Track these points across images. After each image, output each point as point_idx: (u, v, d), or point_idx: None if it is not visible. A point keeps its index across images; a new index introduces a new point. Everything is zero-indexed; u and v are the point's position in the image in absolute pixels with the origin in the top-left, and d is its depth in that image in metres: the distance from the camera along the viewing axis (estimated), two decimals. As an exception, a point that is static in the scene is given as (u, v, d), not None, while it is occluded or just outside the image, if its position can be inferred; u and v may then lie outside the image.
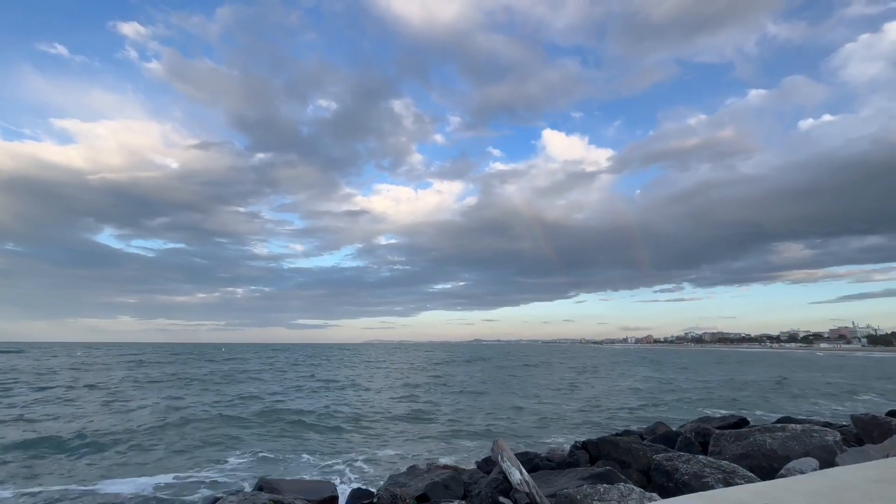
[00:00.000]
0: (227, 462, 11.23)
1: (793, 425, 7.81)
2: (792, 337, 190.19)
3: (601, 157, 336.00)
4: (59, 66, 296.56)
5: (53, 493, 8.84)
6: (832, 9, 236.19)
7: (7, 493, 8.73)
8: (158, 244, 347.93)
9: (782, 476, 5.81)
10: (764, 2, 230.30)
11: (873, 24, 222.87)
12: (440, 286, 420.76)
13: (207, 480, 9.82)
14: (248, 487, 8.77)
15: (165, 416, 16.87)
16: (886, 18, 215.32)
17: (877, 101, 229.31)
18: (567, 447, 10.50)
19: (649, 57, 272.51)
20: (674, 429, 11.58)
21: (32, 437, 13.09)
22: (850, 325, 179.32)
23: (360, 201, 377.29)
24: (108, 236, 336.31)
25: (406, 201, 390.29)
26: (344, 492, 8.21)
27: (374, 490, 8.03)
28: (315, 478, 9.94)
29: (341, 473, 10.54)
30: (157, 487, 9.19)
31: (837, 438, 7.27)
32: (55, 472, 10.30)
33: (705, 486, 5.72)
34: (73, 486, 9.27)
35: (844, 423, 11.87)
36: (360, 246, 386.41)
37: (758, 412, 18.38)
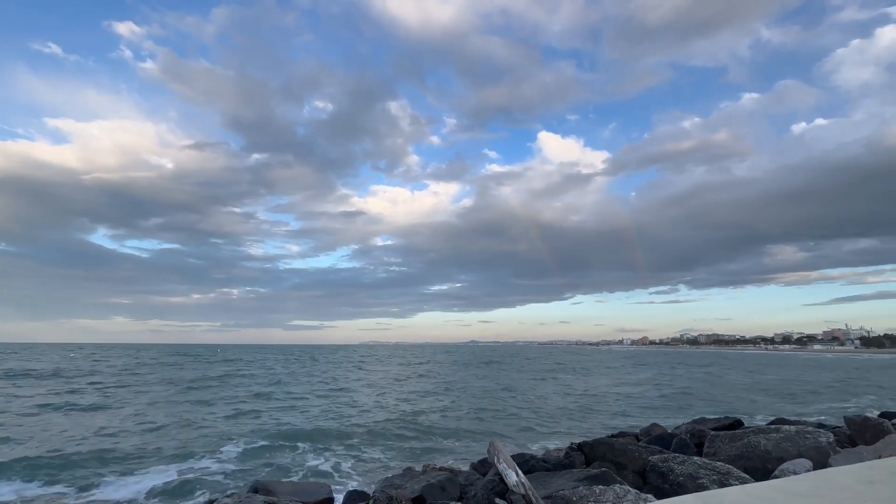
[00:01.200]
0: (221, 464, 11.16)
1: (786, 427, 7.85)
2: (786, 339, 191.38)
3: (597, 159, 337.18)
4: (54, 65, 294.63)
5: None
6: (825, 14, 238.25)
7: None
8: (153, 245, 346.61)
9: (776, 477, 5.84)
10: (757, 7, 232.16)
11: (865, 29, 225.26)
12: (437, 287, 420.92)
13: (202, 483, 9.75)
14: (242, 490, 8.72)
15: (159, 419, 16.77)
16: (878, 24, 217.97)
17: (869, 106, 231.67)
18: (563, 449, 10.52)
19: (644, 60, 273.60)
20: (669, 430, 11.61)
21: (14, 444, 12.86)
22: (843, 327, 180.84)
23: (357, 202, 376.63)
24: (102, 236, 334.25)
25: (402, 202, 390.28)
26: (339, 493, 8.19)
27: (369, 492, 8.01)
28: (310, 479, 9.91)
29: (337, 475, 10.52)
30: (150, 493, 9.08)
31: (831, 440, 7.31)
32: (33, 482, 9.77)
33: (700, 487, 5.74)
34: (64, 495, 9.14)
35: (837, 424, 11.95)
36: (356, 247, 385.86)
37: (758, 417, 18.45)
